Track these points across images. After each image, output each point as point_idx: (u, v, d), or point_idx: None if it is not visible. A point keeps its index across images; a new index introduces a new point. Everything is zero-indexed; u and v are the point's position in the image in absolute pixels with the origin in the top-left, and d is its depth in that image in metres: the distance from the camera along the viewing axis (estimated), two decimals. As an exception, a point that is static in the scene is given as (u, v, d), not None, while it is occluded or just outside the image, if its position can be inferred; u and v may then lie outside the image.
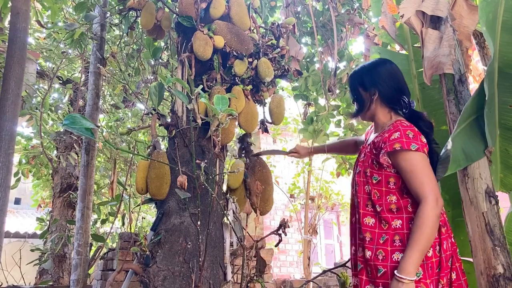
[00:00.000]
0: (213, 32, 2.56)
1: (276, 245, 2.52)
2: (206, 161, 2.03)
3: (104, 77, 4.31)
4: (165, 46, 4.12)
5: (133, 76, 4.65)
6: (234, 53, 2.58)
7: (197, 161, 2.03)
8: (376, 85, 1.83)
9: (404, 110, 1.81)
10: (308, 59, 4.42)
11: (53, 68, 5.43)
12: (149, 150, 2.49)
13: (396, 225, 1.64)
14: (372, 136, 1.86)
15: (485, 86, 2.10)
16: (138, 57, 4.22)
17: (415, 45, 2.51)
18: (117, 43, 4.55)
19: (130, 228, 4.99)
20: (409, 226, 1.62)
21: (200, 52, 2.48)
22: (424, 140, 1.67)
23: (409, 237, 1.56)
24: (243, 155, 2.70)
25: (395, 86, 1.82)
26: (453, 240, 1.71)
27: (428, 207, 1.55)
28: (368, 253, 1.65)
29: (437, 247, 1.62)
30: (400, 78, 1.85)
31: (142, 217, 6.51)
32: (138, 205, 3.57)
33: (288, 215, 8.19)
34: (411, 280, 1.52)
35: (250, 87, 2.67)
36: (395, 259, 1.60)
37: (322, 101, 4.43)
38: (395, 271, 1.55)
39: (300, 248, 7.53)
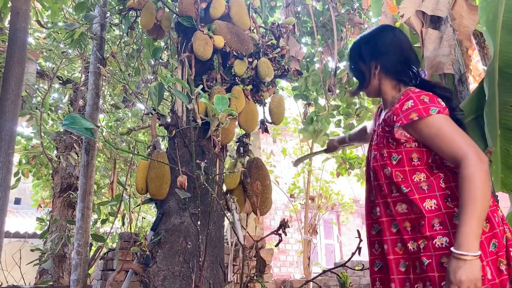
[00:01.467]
0: (213, 32, 2.56)
1: (276, 245, 2.51)
2: (206, 161, 2.03)
3: (104, 77, 4.31)
4: (165, 46, 4.12)
5: (133, 76, 4.65)
6: (234, 53, 2.58)
7: (197, 161, 2.03)
8: (377, 57, 1.63)
9: (413, 81, 1.59)
10: (308, 59, 4.42)
11: (53, 68, 5.43)
12: (149, 150, 2.49)
13: (431, 206, 1.40)
14: (382, 114, 1.67)
15: (485, 86, 2.10)
16: (138, 57, 4.22)
17: (415, 45, 2.51)
18: (117, 43, 4.55)
19: (130, 228, 4.98)
20: (446, 204, 1.40)
21: (200, 52, 2.48)
22: (443, 103, 1.45)
23: (460, 206, 1.32)
24: (241, 155, 2.70)
25: (399, 56, 1.61)
26: (502, 213, 1.47)
27: (472, 165, 1.31)
28: (411, 246, 1.41)
29: (486, 222, 1.37)
30: (405, 46, 1.63)
31: (142, 217, 6.51)
32: (138, 205, 3.57)
33: (288, 215, 8.19)
34: (475, 256, 1.25)
35: (250, 87, 2.66)
36: (438, 245, 1.35)
37: (322, 101, 4.43)
38: (452, 248, 1.28)
39: (300, 248, 7.53)
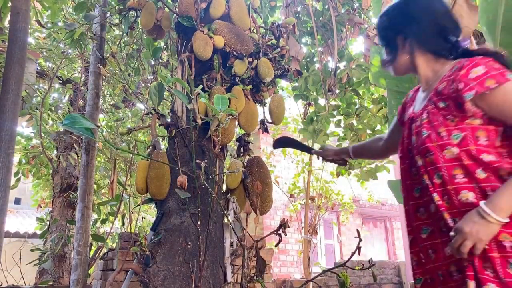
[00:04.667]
0: (213, 32, 2.56)
1: (276, 245, 2.52)
2: (206, 161, 2.03)
3: (104, 77, 4.31)
4: (165, 46, 4.12)
5: (133, 76, 4.65)
6: (234, 53, 2.58)
7: (197, 161, 2.03)
8: (406, 28, 1.43)
9: (454, 53, 1.39)
10: (308, 59, 4.42)
11: (53, 68, 5.43)
12: (149, 150, 2.49)
13: None
14: (422, 95, 1.45)
15: (485, 86, 2.09)
16: (138, 57, 4.22)
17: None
18: (117, 43, 4.56)
19: (130, 228, 4.98)
20: None
21: (200, 52, 2.48)
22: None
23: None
24: (241, 154, 2.70)
25: (434, 26, 1.40)
26: None
27: None
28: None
29: None
30: (440, 14, 1.41)
31: (142, 217, 6.51)
32: (138, 205, 3.57)
33: (288, 215, 8.19)
34: (499, 222, 1.12)
35: (250, 87, 2.67)
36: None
37: (322, 101, 4.43)
38: (481, 202, 1.15)
39: (300, 248, 7.53)
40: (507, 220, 1.13)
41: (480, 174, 1.21)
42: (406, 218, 1.44)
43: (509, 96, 1.20)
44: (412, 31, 1.42)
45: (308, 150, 2.21)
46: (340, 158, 2.01)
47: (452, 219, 1.22)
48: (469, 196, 1.20)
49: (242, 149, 2.72)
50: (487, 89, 1.21)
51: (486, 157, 1.21)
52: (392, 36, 1.48)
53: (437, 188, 1.26)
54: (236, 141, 2.77)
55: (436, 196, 1.26)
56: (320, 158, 2.11)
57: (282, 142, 2.32)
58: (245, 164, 2.62)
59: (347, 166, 2.14)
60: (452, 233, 1.19)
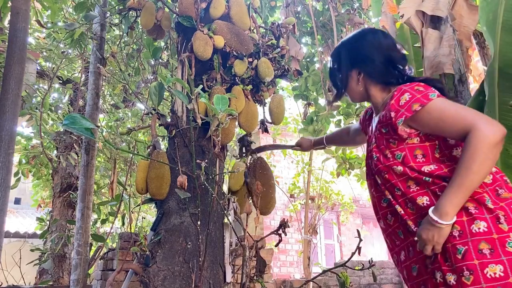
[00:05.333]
0: (213, 32, 2.56)
1: (276, 245, 2.52)
2: (206, 161, 2.03)
3: (104, 77, 4.31)
4: (165, 46, 4.13)
5: (133, 76, 4.65)
6: (234, 53, 2.58)
7: (197, 161, 2.02)
8: (359, 64, 1.59)
9: (400, 80, 1.54)
10: (308, 59, 4.42)
11: (53, 68, 5.43)
12: (149, 150, 2.49)
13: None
14: (375, 118, 1.63)
15: (485, 86, 2.10)
16: (138, 57, 4.22)
17: (415, 45, 2.52)
18: (117, 43, 4.55)
19: (130, 228, 4.98)
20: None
21: (200, 52, 2.48)
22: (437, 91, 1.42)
23: (454, 171, 1.31)
24: (244, 155, 2.70)
25: (381, 59, 1.55)
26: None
27: (478, 136, 1.26)
28: (461, 251, 1.27)
29: (504, 219, 1.27)
30: (386, 48, 1.57)
31: (142, 217, 6.51)
32: (138, 205, 3.57)
33: (288, 215, 8.19)
34: (447, 224, 1.28)
35: (250, 87, 2.66)
36: (476, 230, 1.28)
37: (322, 101, 4.44)
38: (429, 210, 1.32)
39: (300, 248, 7.54)
40: (454, 220, 1.29)
41: (427, 179, 1.38)
42: (380, 226, 1.61)
43: (433, 113, 1.36)
44: (365, 66, 1.58)
45: (288, 147, 2.49)
46: (317, 147, 2.31)
47: (415, 223, 1.40)
48: (423, 200, 1.38)
49: (244, 149, 2.72)
50: (414, 112, 1.38)
51: (427, 168, 1.39)
52: (347, 72, 1.63)
53: (399, 199, 1.44)
54: (238, 142, 2.77)
55: (398, 208, 1.44)
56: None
57: (261, 148, 2.63)
58: (248, 164, 2.62)
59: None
60: (415, 238, 1.38)
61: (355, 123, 2.11)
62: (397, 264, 1.55)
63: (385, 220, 1.54)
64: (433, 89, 1.42)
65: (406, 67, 1.58)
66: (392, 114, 1.43)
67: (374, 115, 1.66)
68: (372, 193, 1.61)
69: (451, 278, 1.28)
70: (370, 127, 1.68)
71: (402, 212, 1.43)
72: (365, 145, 1.75)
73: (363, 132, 1.86)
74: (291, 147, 2.42)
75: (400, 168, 1.42)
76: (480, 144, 1.26)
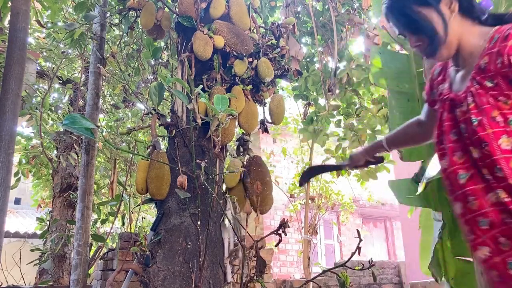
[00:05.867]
0: (213, 32, 2.56)
1: (276, 245, 2.51)
2: (206, 161, 2.03)
3: (104, 77, 4.31)
4: (165, 46, 4.12)
5: (133, 76, 4.65)
6: (234, 53, 2.58)
7: (197, 161, 2.02)
8: None
9: (483, 17, 1.20)
10: (308, 59, 4.42)
11: (53, 68, 5.43)
12: (149, 150, 2.49)
13: None
14: (460, 73, 1.25)
15: (485, 86, 2.09)
16: (138, 57, 4.22)
17: (416, 45, 2.51)
18: (117, 43, 4.55)
19: (130, 228, 4.98)
20: None
21: (200, 52, 2.48)
22: None
23: None
24: (240, 154, 2.70)
25: None
26: None
27: None
28: None
29: None
30: None
31: (142, 217, 6.51)
32: (138, 205, 3.57)
33: (288, 215, 8.19)
34: None
35: (250, 87, 2.67)
36: None
37: (322, 101, 4.43)
38: None
39: (300, 248, 7.53)
40: None
41: None
42: (458, 208, 1.23)
43: None
44: None
45: (338, 167, 1.99)
46: (373, 157, 1.74)
47: None
48: None
49: (241, 148, 2.72)
50: None
51: None
52: (431, 7, 1.19)
53: (501, 182, 1.09)
54: (236, 141, 2.78)
55: (501, 193, 1.09)
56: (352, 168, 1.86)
57: (308, 174, 2.08)
58: (245, 163, 2.62)
59: (384, 162, 1.88)
60: None
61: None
62: (479, 261, 1.20)
63: (466, 203, 1.17)
64: None
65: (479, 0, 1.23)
66: (508, 58, 1.08)
67: (453, 69, 1.29)
68: (449, 167, 1.22)
69: None
70: (447, 86, 1.29)
71: (508, 199, 1.08)
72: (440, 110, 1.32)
73: (430, 107, 1.42)
74: (342, 166, 1.89)
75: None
76: None
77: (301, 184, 2.01)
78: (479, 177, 1.14)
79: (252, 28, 2.87)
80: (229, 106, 1.87)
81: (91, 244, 3.72)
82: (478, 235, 1.14)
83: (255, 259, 2.45)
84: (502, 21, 1.18)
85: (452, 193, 1.22)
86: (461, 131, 1.19)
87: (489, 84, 1.12)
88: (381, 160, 1.78)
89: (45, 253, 5.30)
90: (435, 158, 2.00)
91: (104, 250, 4.34)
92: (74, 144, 5.66)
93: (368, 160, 1.74)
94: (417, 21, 1.20)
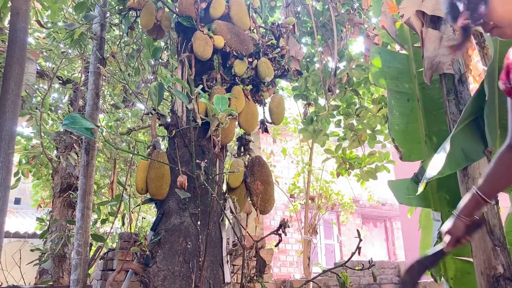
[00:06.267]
0: (213, 32, 2.56)
1: (276, 245, 2.52)
2: (206, 161, 2.03)
3: (104, 77, 4.31)
4: (165, 46, 4.12)
5: (133, 76, 4.65)
6: (234, 53, 2.58)
7: (197, 161, 2.02)
8: None
9: None
10: (308, 59, 4.42)
11: (53, 68, 5.43)
12: (149, 150, 2.49)
13: None
14: None
15: (485, 86, 2.10)
16: (138, 57, 4.22)
17: (415, 45, 2.51)
18: (117, 43, 4.55)
19: (130, 228, 4.98)
20: None
21: (200, 52, 2.48)
22: None
23: None
24: (242, 154, 2.70)
25: None
26: None
27: None
28: None
29: None
30: None
31: (142, 217, 6.51)
32: (138, 205, 3.57)
33: (288, 215, 8.19)
34: None
35: (250, 87, 2.67)
36: None
37: (322, 101, 4.43)
38: None
39: (300, 248, 7.53)
40: None
41: None
42: None
43: None
44: None
45: (442, 253, 1.52)
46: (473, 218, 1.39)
47: None
48: None
49: (242, 148, 2.72)
50: None
51: None
52: None
53: None
54: (237, 141, 2.78)
55: None
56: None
57: (417, 275, 1.60)
58: (246, 163, 2.62)
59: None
60: None
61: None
62: None
63: None
64: None
65: None
66: None
67: None
68: None
69: None
70: None
71: None
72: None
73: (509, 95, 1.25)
74: (447, 253, 1.51)
75: None
76: None
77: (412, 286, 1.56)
78: None
79: (252, 28, 2.87)
80: (229, 106, 1.87)
81: (91, 244, 3.72)
82: None
83: (255, 259, 2.45)
84: None
85: None
86: None
87: None
88: (483, 220, 1.42)
89: (45, 253, 5.30)
90: (434, 158, 2.00)
91: (104, 250, 4.34)
92: (74, 144, 5.66)
93: (468, 225, 1.38)
94: None
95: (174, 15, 2.93)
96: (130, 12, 3.06)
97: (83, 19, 3.53)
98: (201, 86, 2.23)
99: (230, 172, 2.44)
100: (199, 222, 2.05)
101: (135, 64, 4.26)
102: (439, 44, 2.16)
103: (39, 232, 6.35)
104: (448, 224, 1.39)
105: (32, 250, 5.10)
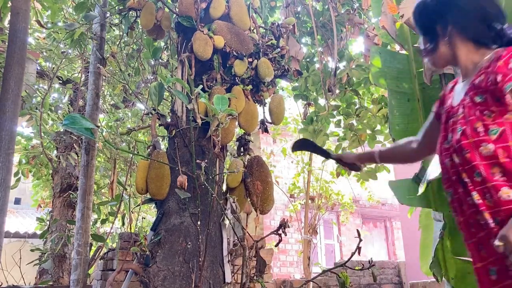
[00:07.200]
0: (213, 32, 2.56)
1: (276, 245, 2.52)
2: (206, 161, 2.03)
3: (104, 77, 4.31)
4: (165, 46, 4.12)
5: (133, 76, 4.65)
6: (234, 53, 2.58)
7: (197, 161, 2.02)
8: (448, 16, 1.34)
9: (498, 42, 1.30)
10: (308, 59, 4.42)
11: (53, 68, 5.43)
12: (149, 150, 2.49)
13: None
14: (460, 87, 1.37)
15: (485, 86, 2.09)
16: (138, 57, 4.22)
17: (415, 45, 2.51)
18: (117, 43, 4.55)
19: (130, 228, 4.98)
20: None
21: (200, 52, 2.48)
22: None
23: None
24: (241, 154, 2.70)
25: (476, 13, 1.32)
26: None
27: None
28: None
29: None
30: (483, 0, 1.33)
31: (142, 217, 6.51)
32: (138, 205, 3.57)
33: (288, 215, 8.19)
34: None
35: (250, 87, 2.67)
36: None
37: (322, 101, 4.43)
38: None
39: (300, 248, 7.54)
40: None
41: None
42: (455, 214, 1.35)
43: None
44: (454, 17, 1.34)
45: (326, 154, 1.99)
46: (361, 163, 1.85)
47: (493, 218, 1.17)
48: (510, 193, 1.15)
49: (242, 148, 2.72)
50: None
51: None
52: (432, 23, 1.38)
53: (477, 186, 1.21)
54: (236, 141, 2.78)
55: (475, 195, 1.21)
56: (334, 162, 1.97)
57: (301, 145, 2.11)
58: (246, 163, 2.62)
59: (362, 170, 1.95)
60: (497, 242, 1.13)
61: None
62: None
63: (460, 207, 1.29)
64: None
65: (506, 26, 1.32)
66: (499, 77, 1.19)
67: (460, 80, 1.41)
68: (448, 175, 1.34)
69: None
70: (451, 100, 1.41)
71: (480, 201, 1.20)
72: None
73: (436, 119, 1.51)
74: (331, 156, 1.95)
75: (491, 146, 1.19)
76: None
77: (292, 150, 2.08)
78: (458, 182, 1.28)
79: (252, 28, 2.87)
80: (229, 106, 1.87)
81: (91, 244, 3.72)
82: (468, 238, 1.28)
83: (255, 259, 2.45)
84: (506, 44, 1.29)
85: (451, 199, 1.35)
86: (448, 140, 1.33)
87: (478, 100, 1.25)
88: (358, 169, 1.89)
89: (45, 253, 5.30)
90: (435, 159, 2.00)
91: (104, 250, 4.34)
92: (74, 144, 5.66)
93: (356, 164, 1.85)
94: (426, 27, 1.42)
95: (174, 15, 2.93)
96: (130, 12, 3.06)
97: (83, 19, 3.52)
98: (201, 86, 2.23)
99: (230, 172, 2.44)
100: (199, 222, 2.05)
101: (135, 64, 4.27)
102: (439, 44, 2.15)
103: (39, 232, 6.35)
104: (349, 154, 2.00)
105: (32, 250, 5.10)
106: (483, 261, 1.22)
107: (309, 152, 6.30)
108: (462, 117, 1.28)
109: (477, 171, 1.21)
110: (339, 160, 1.90)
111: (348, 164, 1.86)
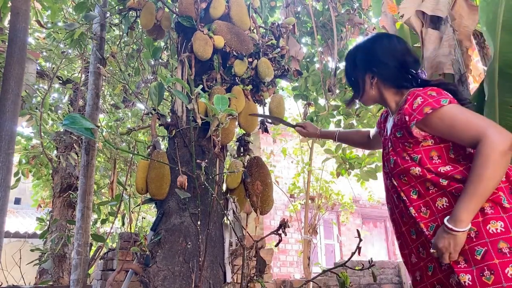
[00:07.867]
0: (213, 32, 2.56)
1: (276, 245, 2.51)
2: (206, 161, 2.03)
3: (104, 77, 4.31)
4: (165, 46, 4.12)
5: (133, 76, 4.65)
6: (234, 53, 2.58)
7: (197, 161, 2.02)
8: (372, 68, 1.63)
9: (414, 83, 1.60)
10: (308, 59, 4.42)
11: (53, 68, 5.43)
12: (149, 150, 2.49)
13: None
14: (390, 120, 1.67)
15: (485, 86, 2.10)
16: (138, 57, 4.22)
17: (415, 45, 2.52)
18: (117, 43, 4.56)
19: (130, 228, 4.98)
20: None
21: (200, 52, 2.48)
22: (450, 95, 1.46)
23: (467, 180, 1.34)
24: (241, 154, 2.70)
25: (395, 64, 1.60)
26: None
27: (489, 144, 1.30)
28: (480, 252, 1.31)
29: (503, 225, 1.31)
30: (400, 52, 1.61)
31: (142, 217, 6.51)
32: (138, 205, 3.57)
33: (288, 215, 8.19)
34: (462, 232, 1.31)
35: (250, 87, 2.66)
36: (493, 230, 1.32)
37: (322, 101, 4.44)
38: (445, 219, 1.35)
39: (300, 248, 7.54)
40: (469, 226, 1.32)
41: (443, 182, 1.41)
42: (394, 225, 1.64)
43: (444, 120, 1.40)
44: (378, 70, 1.62)
45: (288, 124, 2.42)
46: (320, 137, 2.28)
47: (428, 226, 1.43)
48: (443, 201, 1.42)
49: (242, 149, 2.72)
50: (425, 115, 1.42)
51: (443, 169, 1.42)
52: (361, 75, 1.67)
53: (414, 202, 1.48)
54: (236, 141, 2.77)
55: (412, 210, 1.47)
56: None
57: (261, 115, 2.59)
58: (245, 164, 2.62)
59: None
60: (432, 250, 1.39)
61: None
62: (409, 266, 1.58)
63: (401, 219, 1.57)
64: (446, 93, 1.46)
65: (419, 71, 1.63)
66: (406, 118, 1.48)
67: (389, 116, 1.71)
68: (389, 194, 1.63)
69: (465, 279, 1.31)
70: (385, 130, 1.72)
71: (416, 214, 1.46)
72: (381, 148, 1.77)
73: (380, 136, 1.86)
74: (293, 126, 2.35)
75: (417, 169, 1.46)
76: (490, 152, 1.30)
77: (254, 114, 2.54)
78: (398, 198, 1.56)
79: (252, 28, 2.87)
80: (229, 106, 1.87)
81: (91, 244, 3.72)
82: (409, 245, 1.56)
83: (255, 259, 2.45)
84: (426, 84, 1.57)
85: (391, 214, 1.67)
86: (385, 167, 1.64)
87: (398, 135, 1.55)
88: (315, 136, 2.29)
89: (45, 253, 5.30)
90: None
91: (104, 250, 4.34)
92: (74, 144, 5.66)
93: (316, 135, 2.26)
94: (350, 77, 1.74)
95: (174, 15, 2.93)
96: (130, 12, 3.06)
97: (83, 19, 3.52)
98: (201, 86, 2.23)
99: (230, 172, 2.44)
100: (199, 222, 2.05)
101: (135, 64, 4.27)
102: (439, 44, 2.16)
103: (39, 232, 6.35)
104: (313, 126, 2.33)
105: (32, 250, 5.10)
106: (424, 260, 1.50)
107: (309, 153, 6.30)
108: (391, 149, 1.58)
109: (414, 189, 1.49)
110: (300, 128, 2.29)
111: (309, 133, 2.28)
